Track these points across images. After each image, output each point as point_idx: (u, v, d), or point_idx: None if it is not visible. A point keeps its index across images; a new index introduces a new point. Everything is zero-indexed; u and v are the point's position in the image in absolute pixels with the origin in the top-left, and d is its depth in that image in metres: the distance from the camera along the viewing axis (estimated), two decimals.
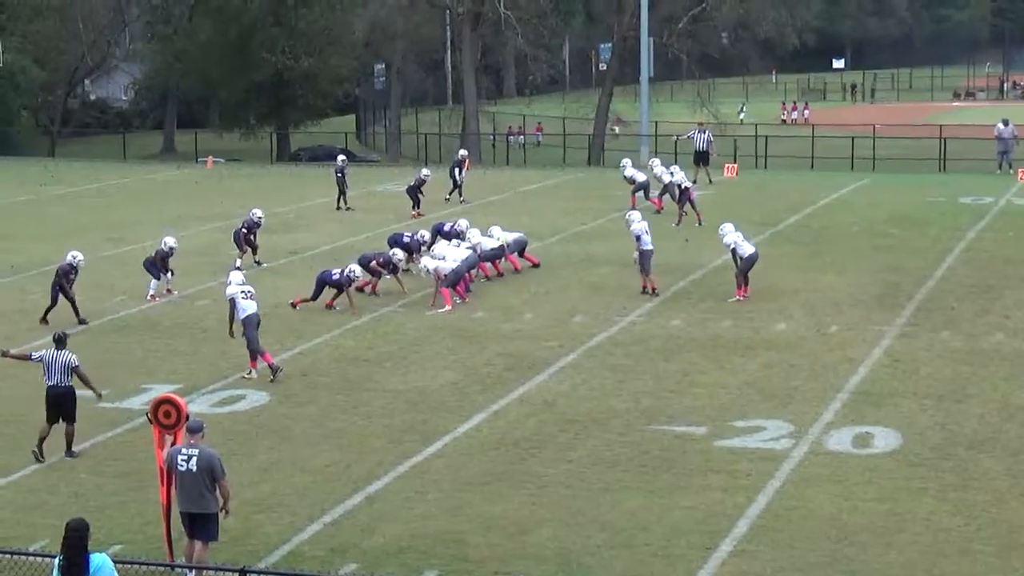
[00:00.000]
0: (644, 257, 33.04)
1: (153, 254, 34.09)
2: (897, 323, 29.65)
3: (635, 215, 34.82)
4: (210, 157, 70.80)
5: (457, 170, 50.41)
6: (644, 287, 32.96)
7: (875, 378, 25.38)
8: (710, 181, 54.06)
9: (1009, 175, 57.02)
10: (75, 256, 31.88)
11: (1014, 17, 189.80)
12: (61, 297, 31.26)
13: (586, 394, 24.67)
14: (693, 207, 43.23)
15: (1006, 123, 61.27)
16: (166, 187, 59.25)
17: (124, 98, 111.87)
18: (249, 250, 37.69)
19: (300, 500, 19.50)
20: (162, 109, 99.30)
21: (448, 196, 49.70)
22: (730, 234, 32.86)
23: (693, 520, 18.37)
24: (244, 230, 37.69)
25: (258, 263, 37.58)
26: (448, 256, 32.78)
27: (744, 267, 32.49)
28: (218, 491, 16.38)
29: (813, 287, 33.52)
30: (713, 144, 57.10)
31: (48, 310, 31.38)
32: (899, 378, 25.32)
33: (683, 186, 43.84)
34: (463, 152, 53.62)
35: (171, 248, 33.86)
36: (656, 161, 48.56)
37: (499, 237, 35.75)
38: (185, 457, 16.22)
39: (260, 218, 38.24)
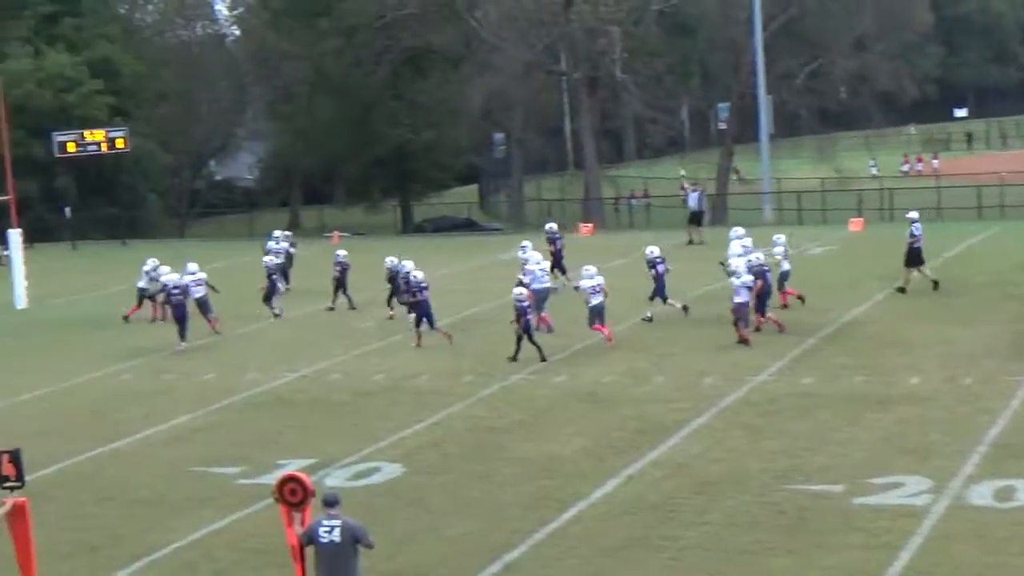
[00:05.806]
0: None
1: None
2: None
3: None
4: (335, 232, 71.45)
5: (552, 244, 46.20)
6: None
7: (1015, 430, 24.95)
8: (702, 241, 55.51)
9: None
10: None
11: None
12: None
13: (720, 456, 24.50)
14: None
15: None
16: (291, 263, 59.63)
17: (249, 176, 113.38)
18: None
19: (438, 570, 19.51)
20: (287, 186, 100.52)
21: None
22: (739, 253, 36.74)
23: None
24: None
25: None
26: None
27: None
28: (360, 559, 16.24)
29: (943, 339, 33.11)
30: (704, 202, 60.11)
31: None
32: None
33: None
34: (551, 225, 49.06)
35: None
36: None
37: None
38: (327, 528, 16.11)
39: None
